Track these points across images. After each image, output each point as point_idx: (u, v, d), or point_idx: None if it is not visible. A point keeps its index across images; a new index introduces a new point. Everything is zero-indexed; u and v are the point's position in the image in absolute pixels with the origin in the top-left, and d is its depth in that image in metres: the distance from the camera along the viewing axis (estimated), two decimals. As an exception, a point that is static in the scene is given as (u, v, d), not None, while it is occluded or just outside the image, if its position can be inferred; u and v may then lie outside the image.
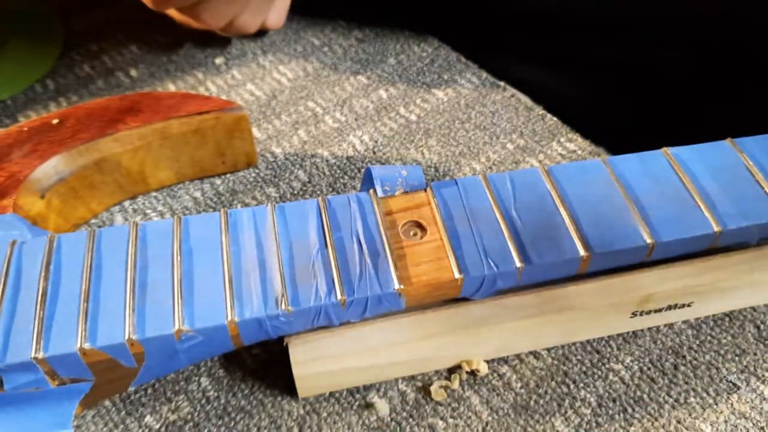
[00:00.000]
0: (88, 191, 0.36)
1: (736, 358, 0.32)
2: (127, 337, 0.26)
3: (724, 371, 0.32)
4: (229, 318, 0.27)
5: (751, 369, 0.32)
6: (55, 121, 0.35)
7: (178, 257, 0.28)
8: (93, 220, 0.37)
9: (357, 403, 0.31)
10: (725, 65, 0.48)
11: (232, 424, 0.30)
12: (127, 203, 0.38)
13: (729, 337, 0.33)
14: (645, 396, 0.31)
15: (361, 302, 0.28)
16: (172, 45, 0.48)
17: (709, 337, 0.33)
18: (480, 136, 0.42)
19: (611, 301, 0.30)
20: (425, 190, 0.32)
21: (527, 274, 0.29)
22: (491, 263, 0.28)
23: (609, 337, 0.33)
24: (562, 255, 0.29)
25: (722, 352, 0.32)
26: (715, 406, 0.30)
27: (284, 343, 0.29)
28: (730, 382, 0.31)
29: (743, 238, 0.31)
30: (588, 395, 0.31)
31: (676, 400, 0.31)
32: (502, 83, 0.45)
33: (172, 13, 0.43)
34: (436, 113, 0.43)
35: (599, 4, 0.48)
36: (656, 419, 0.30)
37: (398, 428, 0.27)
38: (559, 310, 0.30)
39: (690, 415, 0.30)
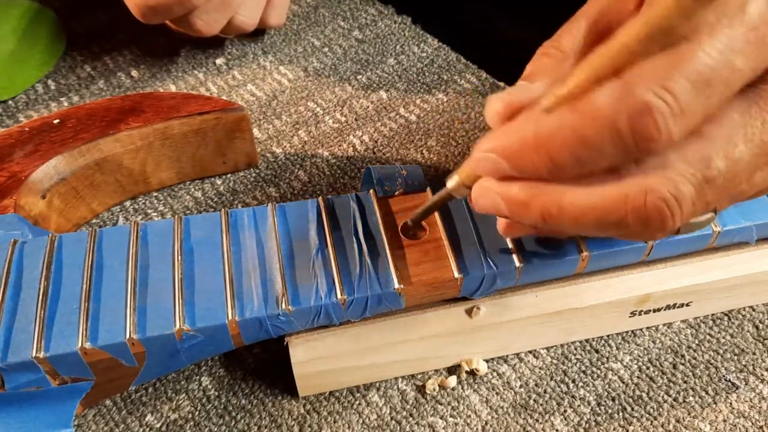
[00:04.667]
0: (89, 191, 0.36)
1: (735, 358, 0.32)
2: (128, 337, 0.26)
3: (723, 370, 0.32)
4: (230, 317, 0.27)
5: (750, 368, 0.32)
6: (56, 121, 0.35)
7: (179, 257, 0.28)
8: (94, 220, 0.37)
9: (357, 401, 0.31)
10: None
11: (233, 423, 0.30)
12: (128, 203, 0.38)
13: (728, 337, 0.33)
14: (644, 395, 0.31)
15: (362, 302, 0.28)
16: (173, 46, 0.48)
17: (707, 337, 0.33)
18: (480, 136, 0.42)
19: (610, 301, 0.30)
20: (425, 190, 0.32)
21: (526, 274, 0.29)
22: (491, 263, 0.29)
23: (608, 336, 0.33)
24: (562, 255, 0.29)
25: (721, 351, 0.32)
26: (714, 405, 0.30)
27: (285, 343, 0.29)
28: (729, 381, 0.31)
29: (742, 238, 0.31)
30: (587, 394, 0.31)
31: (675, 399, 0.31)
32: (501, 83, 0.45)
33: (168, 22, 0.43)
34: (436, 113, 0.44)
35: None
36: (655, 418, 0.30)
37: None
38: (558, 310, 0.30)
39: (689, 414, 0.30)
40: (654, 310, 0.32)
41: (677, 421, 0.30)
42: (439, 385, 0.31)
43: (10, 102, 0.44)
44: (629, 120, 0.20)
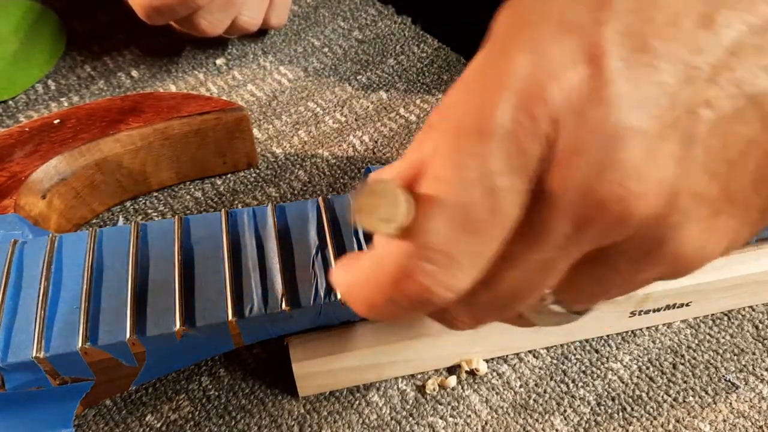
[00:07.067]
0: (89, 191, 0.36)
1: (735, 358, 0.32)
2: (128, 337, 0.26)
3: (722, 370, 0.32)
4: (230, 317, 0.27)
5: (750, 368, 0.32)
6: (56, 122, 0.36)
7: (179, 257, 0.28)
8: (94, 220, 0.37)
9: (357, 401, 0.31)
10: None
11: (233, 423, 0.30)
12: (128, 203, 0.38)
13: (728, 337, 0.33)
14: (644, 395, 0.31)
15: (361, 302, 0.28)
16: (174, 46, 0.48)
17: (707, 337, 0.33)
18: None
19: (610, 301, 0.30)
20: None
21: (526, 274, 0.29)
22: (490, 263, 0.29)
23: (608, 336, 0.33)
24: (561, 254, 0.29)
25: (721, 351, 0.32)
26: (714, 405, 0.30)
27: (285, 343, 0.29)
28: (729, 381, 0.31)
29: (742, 238, 0.31)
30: (587, 394, 0.31)
31: (675, 399, 0.31)
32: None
33: (172, 23, 0.43)
34: (436, 113, 0.44)
35: None
36: (655, 418, 0.30)
37: None
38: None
39: (689, 414, 0.30)
40: (654, 310, 0.32)
41: (677, 421, 0.30)
42: (439, 385, 0.31)
43: (10, 102, 0.44)
44: (397, 288, 0.18)
